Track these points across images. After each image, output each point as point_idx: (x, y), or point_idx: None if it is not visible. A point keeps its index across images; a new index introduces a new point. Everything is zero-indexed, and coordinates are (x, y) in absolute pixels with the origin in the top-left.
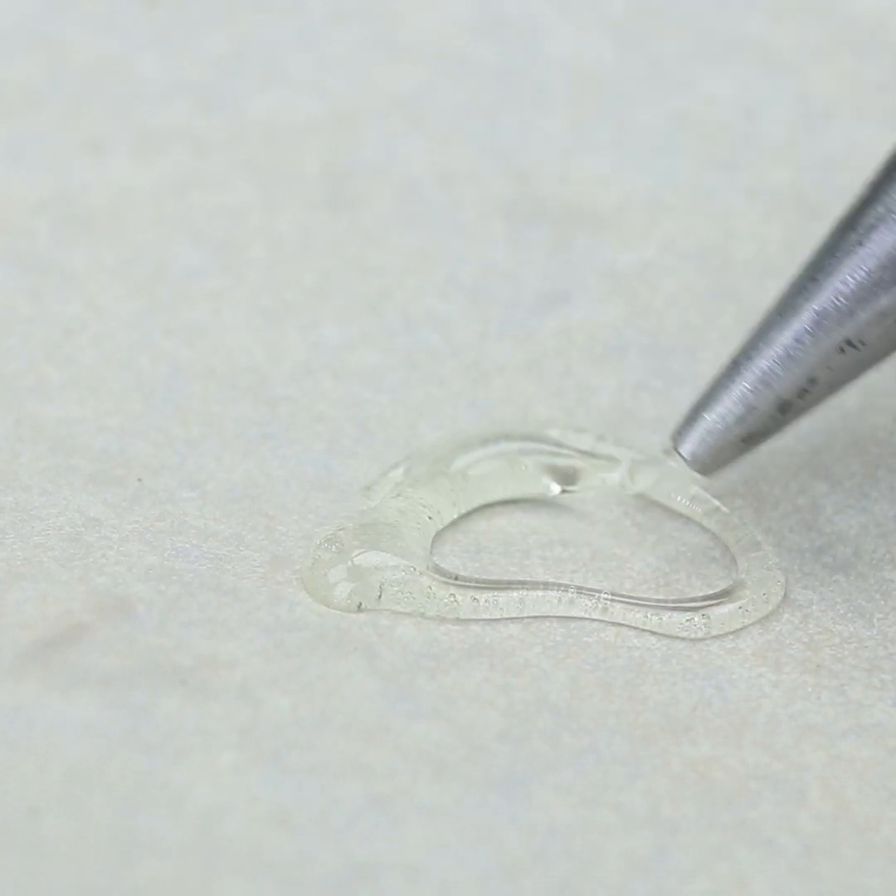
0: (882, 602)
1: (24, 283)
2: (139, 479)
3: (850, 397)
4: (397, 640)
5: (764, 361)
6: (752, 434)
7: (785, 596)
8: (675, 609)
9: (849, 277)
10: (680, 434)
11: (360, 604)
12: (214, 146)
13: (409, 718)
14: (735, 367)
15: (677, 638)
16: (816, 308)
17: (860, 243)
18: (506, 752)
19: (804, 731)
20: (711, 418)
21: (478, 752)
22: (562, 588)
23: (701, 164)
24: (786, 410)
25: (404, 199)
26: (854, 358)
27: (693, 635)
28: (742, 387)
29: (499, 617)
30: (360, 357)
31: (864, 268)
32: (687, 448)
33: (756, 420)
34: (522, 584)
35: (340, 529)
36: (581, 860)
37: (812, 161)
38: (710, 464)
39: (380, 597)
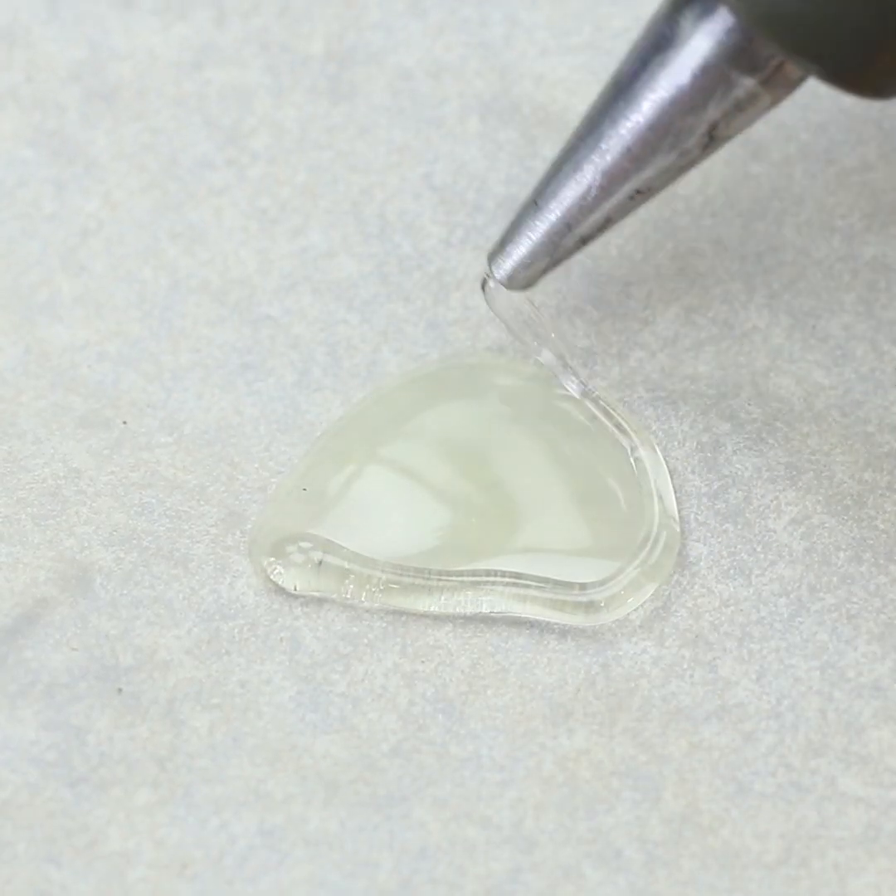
0: (762, 555)
1: (51, 171)
2: (124, 422)
3: (759, 358)
4: (322, 620)
5: (564, 209)
6: (557, 260)
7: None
8: (575, 600)
9: (632, 145)
10: (495, 262)
11: (296, 586)
12: (233, 13)
13: (315, 734)
14: (538, 210)
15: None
16: (604, 170)
17: (635, 112)
18: (395, 768)
19: (672, 716)
20: (521, 251)
21: (369, 770)
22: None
23: None
24: (587, 242)
25: (396, 91)
26: (644, 198)
27: (590, 623)
28: (547, 227)
29: (420, 611)
30: (338, 266)
31: (644, 137)
32: (502, 274)
33: (561, 252)
34: (440, 577)
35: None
36: (442, 885)
37: None
38: (521, 283)
39: (318, 576)
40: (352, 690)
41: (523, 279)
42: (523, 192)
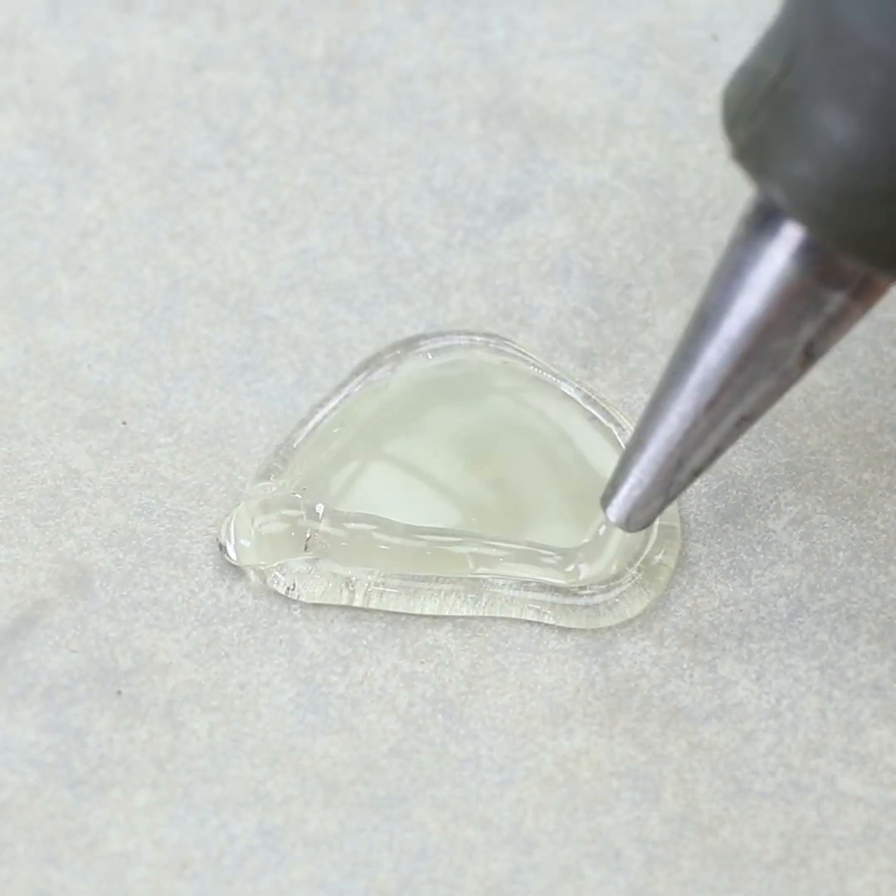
0: (761, 555)
1: (51, 172)
2: (124, 423)
3: None
4: (321, 621)
5: (673, 447)
6: (672, 496)
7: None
8: (575, 601)
9: (731, 376)
10: (609, 505)
11: (294, 588)
12: (233, 16)
13: (314, 735)
14: (645, 448)
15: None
16: (707, 403)
17: (727, 343)
18: (394, 769)
19: (672, 715)
20: (637, 493)
21: (369, 771)
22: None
23: (663, 84)
24: (700, 473)
25: (396, 94)
26: (750, 423)
27: (591, 625)
28: (657, 467)
29: (408, 612)
30: (338, 267)
31: (742, 366)
32: (618, 517)
33: (675, 488)
34: (428, 580)
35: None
36: (442, 886)
37: None
38: (639, 524)
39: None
40: (351, 691)
41: (640, 520)
42: (523, 195)
